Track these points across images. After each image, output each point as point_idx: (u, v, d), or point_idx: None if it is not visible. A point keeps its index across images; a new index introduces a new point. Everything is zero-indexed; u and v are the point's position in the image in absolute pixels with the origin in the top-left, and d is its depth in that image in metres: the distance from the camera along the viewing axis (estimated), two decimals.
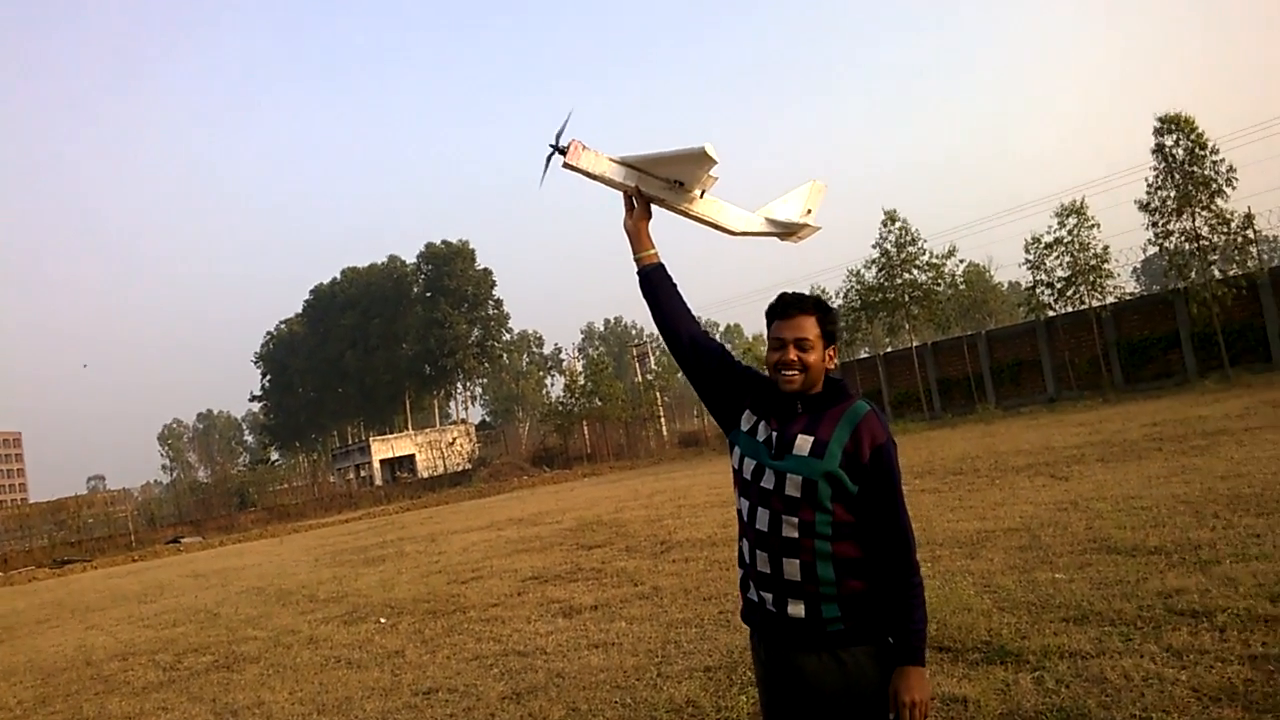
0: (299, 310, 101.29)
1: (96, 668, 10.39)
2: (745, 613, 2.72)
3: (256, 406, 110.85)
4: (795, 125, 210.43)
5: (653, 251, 3.00)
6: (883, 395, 38.67)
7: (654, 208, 3.17)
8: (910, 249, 37.24)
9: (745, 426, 2.69)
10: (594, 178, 3.16)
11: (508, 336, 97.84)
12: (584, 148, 3.12)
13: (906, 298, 37.18)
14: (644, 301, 3.01)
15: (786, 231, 3.63)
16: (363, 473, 75.65)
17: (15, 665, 11.70)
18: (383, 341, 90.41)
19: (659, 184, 3.18)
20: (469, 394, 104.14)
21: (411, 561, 15.95)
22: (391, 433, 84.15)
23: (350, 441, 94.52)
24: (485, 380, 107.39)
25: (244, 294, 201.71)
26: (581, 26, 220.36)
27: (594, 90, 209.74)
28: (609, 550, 12.85)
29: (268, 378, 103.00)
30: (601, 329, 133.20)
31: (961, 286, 42.46)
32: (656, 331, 3.34)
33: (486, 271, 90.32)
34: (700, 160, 3.10)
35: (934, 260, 37.35)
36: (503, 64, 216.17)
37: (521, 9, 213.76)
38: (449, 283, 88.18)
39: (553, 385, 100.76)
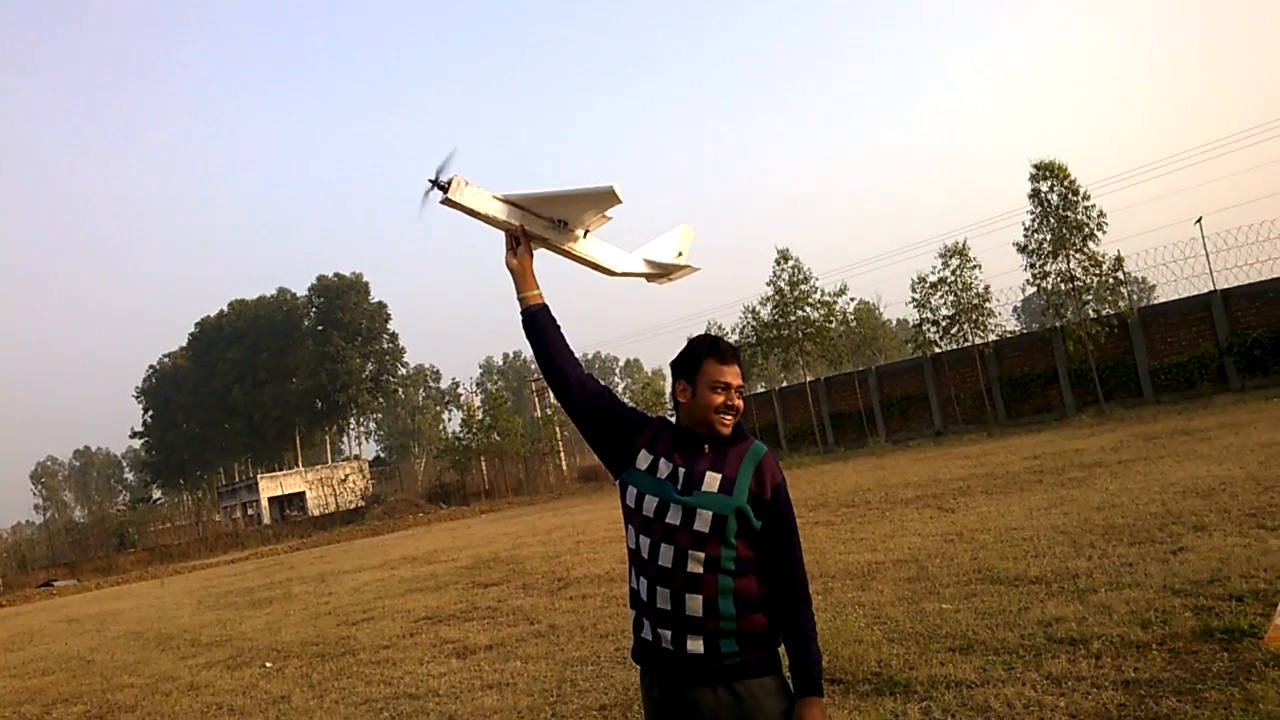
0: (184, 344, 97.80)
1: None
2: (637, 652, 2.71)
3: (138, 443, 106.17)
4: (690, 155, 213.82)
5: (537, 292, 2.98)
6: (778, 429, 39.30)
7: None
8: (803, 287, 38.07)
9: (643, 465, 2.69)
10: (475, 215, 3.10)
11: (403, 371, 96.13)
12: (466, 184, 3.06)
13: (800, 334, 37.95)
14: (527, 342, 2.99)
15: (663, 272, 3.76)
16: (250, 511, 73.04)
17: None
18: (272, 376, 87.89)
19: (543, 223, 3.16)
20: (363, 429, 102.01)
21: (300, 603, 15.43)
22: (281, 469, 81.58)
23: (238, 479, 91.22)
24: (380, 415, 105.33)
25: (125, 327, 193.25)
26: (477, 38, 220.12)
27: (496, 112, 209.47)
28: (506, 588, 12.68)
29: (150, 413, 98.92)
30: (500, 363, 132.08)
31: (852, 323, 43.69)
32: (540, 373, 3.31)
33: (381, 305, 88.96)
34: (604, 200, 3.11)
35: (826, 298, 38.27)
36: (394, 84, 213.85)
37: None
38: (341, 316, 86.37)
39: (450, 420, 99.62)
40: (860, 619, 7.00)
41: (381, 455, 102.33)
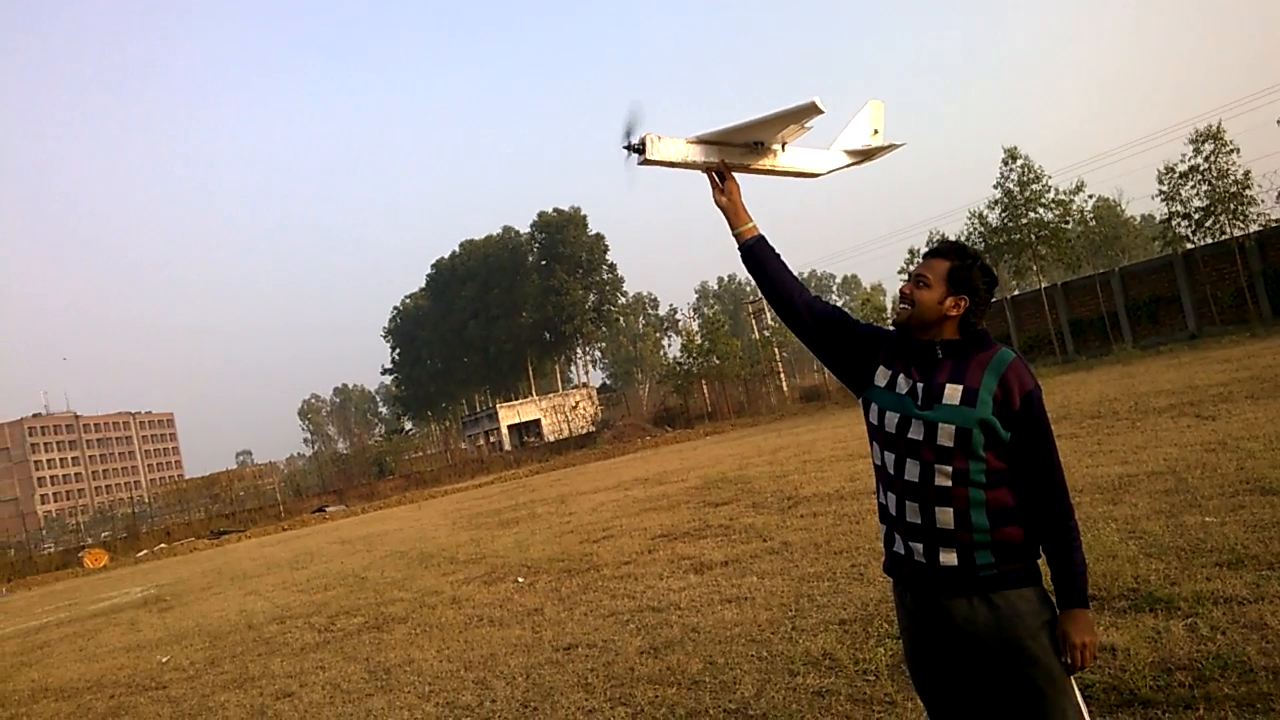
0: (422, 285, 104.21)
1: (258, 630, 11.06)
2: (889, 565, 2.72)
3: (388, 379, 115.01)
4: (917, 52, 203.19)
5: (751, 225, 2.95)
6: (1011, 339, 37.35)
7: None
8: (1034, 187, 35.76)
9: (882, 382, 2.67)
10: (676, 165, 3.08)
11: (623, 300, 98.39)
12: (658, 139, 3.03)
13: (1033, 237, 35.80)
14: (749, 275, 2.98)
15: (867, 157, 3.65)
16: (492, 439, 77.69)
17: (186, 629, 12.56)
18: (503, 311, 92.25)
19: (739, 151, 3.11)
20: (589, 358, 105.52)
21: (544, 523, 16.37)
22: (517, 399, 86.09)
23: (478, 409, 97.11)
24: (604, 344, 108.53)
25: (371, 272, 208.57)
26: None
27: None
28: (736, 507, 12.91)
29: (397, 351, 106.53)
30: (715, 287, 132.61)
31: (1091, 223, 40.67)
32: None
33: (599, 237, 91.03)
34: (805, 114, 3.05)
35: (1060, 197, 35.79)
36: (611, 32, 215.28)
37: None
38: (563, 250, 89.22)
39: (670, 346, 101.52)
40: (1113, 533, 6.66)
41: (608, 382, 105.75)
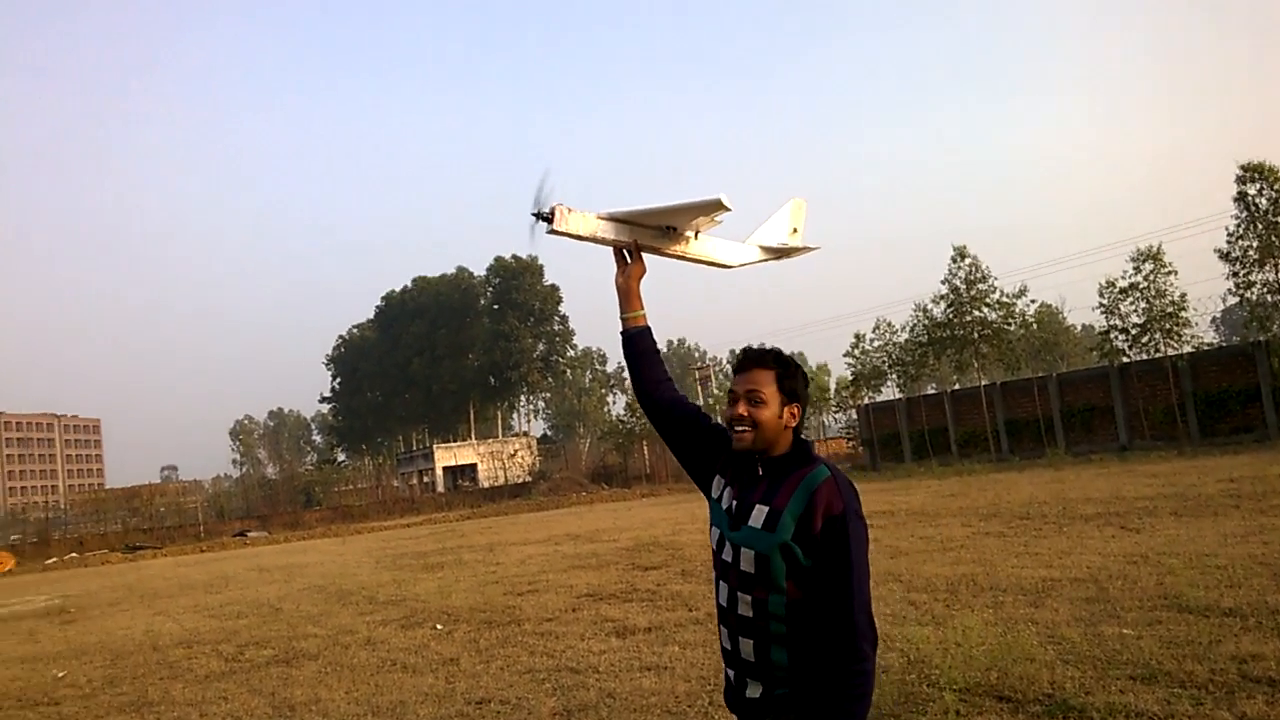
0: (370, 316, 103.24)
1: (162, 653, 10.71)
2: (724, 691, 2.54)
3: (326, 408, 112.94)
4: (874, 148, 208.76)
5: (641, 313, 2.91)
6: (949, 433, 38.04)
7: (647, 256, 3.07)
8: (980, 286, 36.75)
9: (715, 494, 2.54)
10: (585, 239, 3.05)
11: (572, 352, 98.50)
12: (568, 211, 2.99)
13: (976, 335, 36.67)
14: (624, 362, 2.95)
15: (782, 255, 3.70)
16: (425, 479, 76.61)
17: (87, 645, 12.10)
18: (449, 351, 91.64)
19: (651, 233, 3.10)
20: (532, 407, 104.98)
21: (470, 570, 16.13)
22: (455, 441, 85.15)
23: (415, 447, 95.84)
24: (548, 394, 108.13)
25: (318, 298, 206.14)
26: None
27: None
28: (665, 572, 12.86)
29: (338, 380, 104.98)
30: (664, 350, 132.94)
31: (1033, 326, 41.71)
32: (633, 392, 3.15)
33: (554, 287, 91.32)
34: (714, 208, 3.07)
35: (1004, 299, 36.80)
36: (579, 75, 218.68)
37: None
38: (516, 296, 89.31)
39: (614, 403, 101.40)
40: (1033, 636, 6.75)
41: (548, 433, 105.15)
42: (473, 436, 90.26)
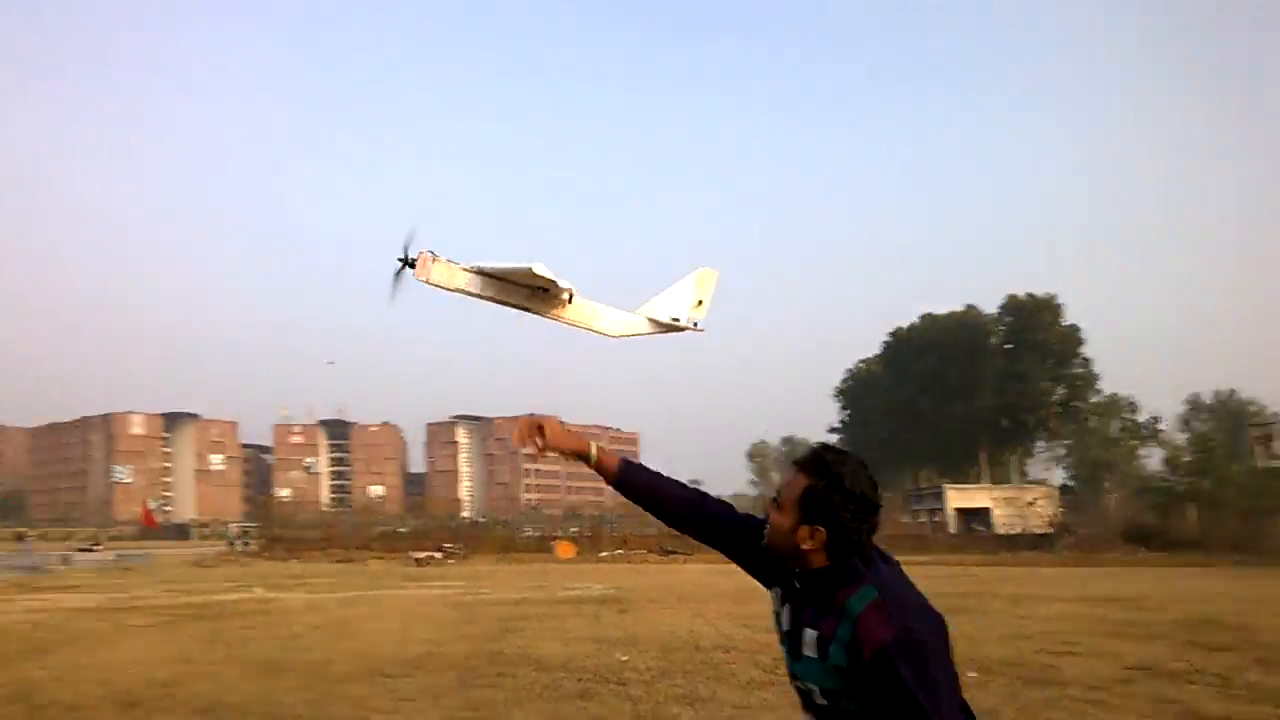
0: (878, 351, 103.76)
1: (705, 654, 11.62)
2: None
3: (834, 438, 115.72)
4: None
5: (598, 445, 2.48)
6: None
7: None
8: None
9: (775, 608, 2.30)
10: (452, 290, 2.78)
11: (1096, 398, 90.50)
12: (433, 259, 2.76)
13: None
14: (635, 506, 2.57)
15: (670, 329, 3.22)
16: (936, 518, 75.02)
17: (640, 635, 13.56)
18: (959, 390, 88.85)
19: (523, 292, 2.80)
20: (1050, 454, 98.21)
21: (997, 620, 15.36)
22: (964, 483, 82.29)
23: (921, 485, 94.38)
24: (1070, 441, 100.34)
25: (831, 328, 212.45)
26: None
27: None
28: (1236, 656, 11.18)
29: (846, 412, 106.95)
30: (1209, 400, 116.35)
31: None
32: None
33: (1074, 327, 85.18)
34: (528, 276, 2.73)
35: None
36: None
37: None
38: (1031, 336, 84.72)
39: (1149, 457, 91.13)
40: None
41: (1069, 484, 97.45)
42: (985, 479, 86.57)
